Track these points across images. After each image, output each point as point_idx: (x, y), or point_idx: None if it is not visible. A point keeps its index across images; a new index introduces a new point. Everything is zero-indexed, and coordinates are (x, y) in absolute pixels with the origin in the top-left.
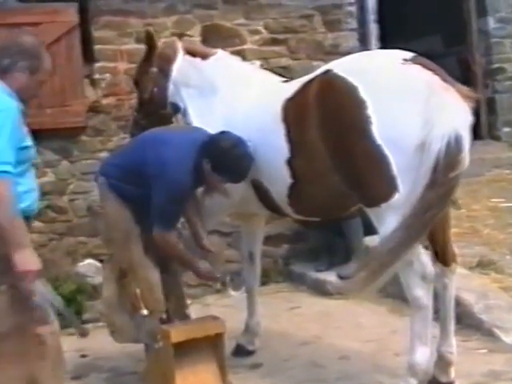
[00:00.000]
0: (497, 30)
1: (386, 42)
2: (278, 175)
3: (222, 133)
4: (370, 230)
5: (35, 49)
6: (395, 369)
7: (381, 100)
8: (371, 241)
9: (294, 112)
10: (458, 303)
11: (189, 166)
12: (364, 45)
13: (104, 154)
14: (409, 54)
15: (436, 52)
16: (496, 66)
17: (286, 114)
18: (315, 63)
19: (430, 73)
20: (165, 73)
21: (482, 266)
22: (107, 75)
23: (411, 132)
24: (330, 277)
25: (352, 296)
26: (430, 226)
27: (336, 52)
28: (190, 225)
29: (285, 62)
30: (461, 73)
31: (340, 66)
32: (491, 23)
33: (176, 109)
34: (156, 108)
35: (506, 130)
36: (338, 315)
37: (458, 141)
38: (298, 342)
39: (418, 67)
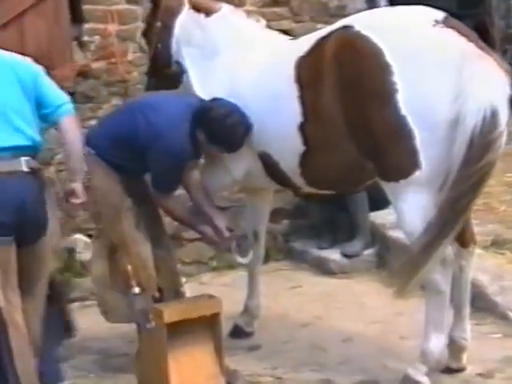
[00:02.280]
0: None
1: (395, 3)
2: (289, 142)
3: (214, 100)
4: (375, 204)
5: None
6: (401, 353)
7: (408, 66)
8: (377, 216)
9: (308, 72)
10: (471, 285)
11: (183, 132)
12: (372, 7)
13: (94, 123)
14: (440, 14)
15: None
16: None
17: (298, 74)
18: (319, 26)
19: (464, 39)
20: (168, 28)
21: (497, 245)
22: (97, 37)
23: (441, 104)
24: (333, 255)
25: (356, 275)
26: (463, 217)
27: (342, 14)
28: (195, 204)
29: (287, 24)
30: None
31: (362, 23)
32: None
33: (182, 68)
34: (160, 66)
35: None
36: (340, 295)
37: (494, 116)
38: (299, 324)
39: (450, 31)
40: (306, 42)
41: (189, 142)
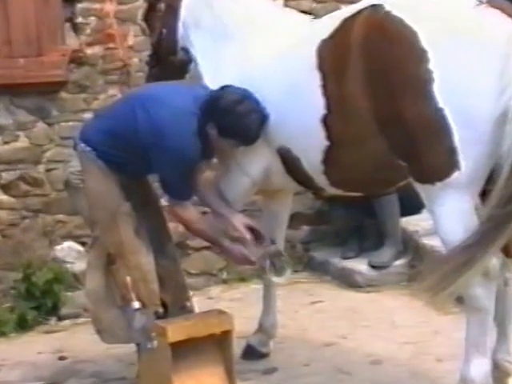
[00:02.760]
0: None
1: None
2: (310, 137)
3: (223, 88)
4: (407, 209)
5: None
6: (437, 377)
7: (446, 52)
8: (409, 222)
9: (331, 57)
10: None
11: (190, 128)
12: None
13: (88, 115)
14: None
15: None
16: None
17: (321, 60)
18: (344, 7)
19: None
20: (173, 10)
21: None
22: (92, 19)
23: (485, 97)
24: (359, 265)
25: (385, 289)
26: None
27: None
28: (207, 206)
29: (307, 5)
30: None
31: (393, 1)
32: None
33: (190, 56)
34: (165, 54)
35: None
36: (368, 312)
37: None
38: (320, 344)
39: (496, 13)
40: (330, 23)
41: (197, 139)
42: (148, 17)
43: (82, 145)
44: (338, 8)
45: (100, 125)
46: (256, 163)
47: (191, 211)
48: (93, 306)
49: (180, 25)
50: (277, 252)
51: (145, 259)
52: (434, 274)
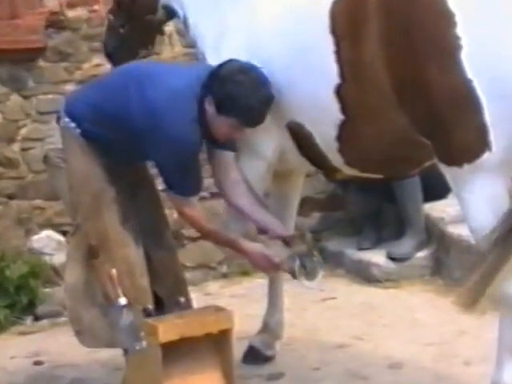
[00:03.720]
0: None
1: None
2: (323, 110)
3: (226, 62)
4: (431, 193)
5: None
6: (464, 383)
7: (477, 15)
8: (433, 209)
9: (345, 19)
10: None
11: (190, 114)
12: None
13: (70, 87)
14: None
15: None
16: None
17: (334, 23)
18: None
19: None
20: None
21: None
22: None
23: None
24: (376, 257)
25: (406, 283)
26: None
27: None
28: (248, 214)
29: None
30: None
31: None
32: None
33: (171, 14)
34: (141, 12)
35: None
36: (386, 309)
37: None
38: (333, 345)
39: None
40: None
41: (197, 126)
42: None
43: (66, 119)
44: None
45: (88, 98)
46: (268, 142)
47: (199, 209)
48: (71, 303)
49: None
50: (308, 251)
51: (133, 251)
52: (474, 274)
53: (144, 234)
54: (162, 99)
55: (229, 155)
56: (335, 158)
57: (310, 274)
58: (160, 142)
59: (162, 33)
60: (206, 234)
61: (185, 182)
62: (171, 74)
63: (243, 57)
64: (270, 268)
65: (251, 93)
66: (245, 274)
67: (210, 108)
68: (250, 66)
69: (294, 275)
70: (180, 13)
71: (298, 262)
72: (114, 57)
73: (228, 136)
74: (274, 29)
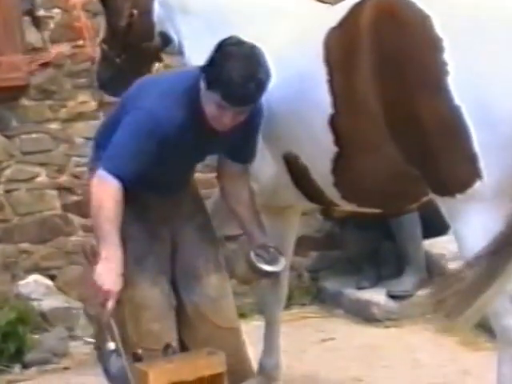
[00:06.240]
0: None
1: None
2: (318, 141)
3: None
4: (431, 229)
5: None
6: None
7: (464, 40)
8: (434, 245)
9: (339, 47)
10: None
11: (173, 101)
12: None
13: (55, 126)
14: None
15: None
16: None
17: (328, 52)
18: None
19: None
20: None
21: None
22: (57, 11)
23: (509, 92)
24: (376, 296)
25: (407, 323)
26: None
27: None
28: (240, 222)
29: None
30: None
31: None
32: None
33: (167, 40)
34: (137, 40)
35: None
36: (387, 349)
37: None
38: None
39: None
40: (339, 10)
41: (181, 112)
42: None
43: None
44: None
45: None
46: (263, 167)
47: (108, 192)
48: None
49: (156, 4)
50: (261, 244)
51: (142, 292)
52: (451, 295)
53: (180, 274)
54: (153, 94)
55: (239, 166)
56: (331, 192)
57: (271, 262)
58: (127, 118)
59: (159, 60)
60: (94, 219)
61: (116, 153)
62: (166, 82)
63: None
64: (98, 289)
65: (237, 66)
66: (241, 315)
67: (202, 84)
68: (250, 43)
69: (253, 266)
70: (175, 38)
71: (252, 253)
72: (109, 88)
73: (217, 119)
74: (270, 56)
